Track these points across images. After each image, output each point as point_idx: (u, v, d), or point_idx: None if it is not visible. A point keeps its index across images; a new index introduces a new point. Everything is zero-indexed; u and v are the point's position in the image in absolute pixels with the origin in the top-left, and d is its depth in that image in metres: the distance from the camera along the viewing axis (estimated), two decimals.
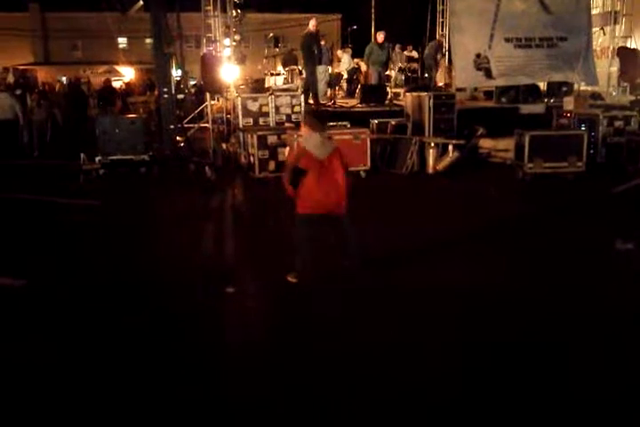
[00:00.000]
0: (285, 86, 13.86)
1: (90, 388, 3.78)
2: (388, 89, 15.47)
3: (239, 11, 14.57)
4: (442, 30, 16.95)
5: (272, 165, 10.05)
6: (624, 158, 10.47)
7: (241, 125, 11.54)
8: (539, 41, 13.08)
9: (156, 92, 13.32)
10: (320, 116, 5.68)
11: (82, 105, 18.44)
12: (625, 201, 8.38)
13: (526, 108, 13.27)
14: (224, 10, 13.57)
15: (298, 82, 14.49)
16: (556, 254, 6.24)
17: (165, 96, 11.82)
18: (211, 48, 13.52)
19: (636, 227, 6.88)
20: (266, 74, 16.60)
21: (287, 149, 9.60)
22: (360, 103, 14.08)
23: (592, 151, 10.51)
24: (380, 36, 15.02)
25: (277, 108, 11.66)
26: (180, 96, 14.73)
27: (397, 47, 18.29)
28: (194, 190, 9.41)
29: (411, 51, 18.33)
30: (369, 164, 10.46)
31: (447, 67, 16.37)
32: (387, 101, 14.39)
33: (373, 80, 15.58)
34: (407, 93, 12.98)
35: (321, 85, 14.22)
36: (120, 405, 3.61)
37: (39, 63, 40.31)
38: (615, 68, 14.76)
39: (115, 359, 4.13)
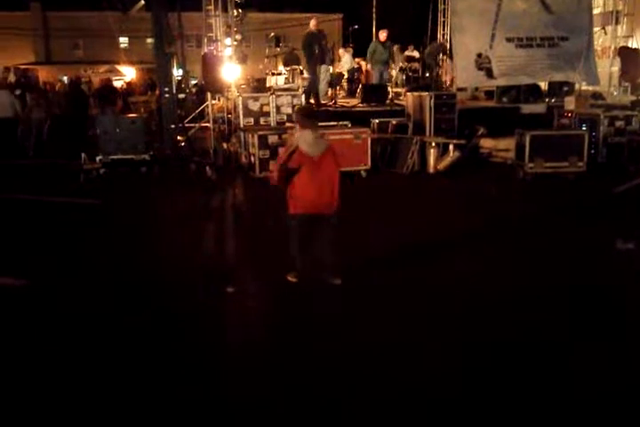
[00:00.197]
0: (286, 86, 13.85)
1: (90, 388, 3.79)
2: (390, 88, 15.47)
3: (240, 10, 14.54)
4: (443, 30, 16.95)
5: (273, 165, 10.04)
6: (625, 158, 10.47)
7: (242, 125, 11.54)
8: (540, 41, 13.07)
9: (157, 92, 13.32)
10: (312, 114, 5.52)
11: (82, 104, 18.42)
12: (626, 201, 8.37)
13: (527, 108, 13.27)
14: (225, 9, 13.54)
15: (299, 81, 14.48)
16: (557, 254, 6.24)
17: (166, 96, 11.84)
18: (212, 48, 13.50)
19: (636, 227, 6.87)
20: (267, 73, 16.57)
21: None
22: (361, 103, 14.09)
23: (593, 151, 10.51)
24: (383, 35, 15.01)
25: (278, 108, 11.67)
26: (181, 96, 14.71)
27: (395, 48, 18.25)
28: (194, 190, 9.40)
29: (412, 50, 18.31)
30: (369, 163, 10.46)
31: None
32: (388, 101, 14.39)
33: (374, 80, 15.58)
34: (408, 93, 12.97)
35: (322, 85, 14.22)
36: (121, 405, 3.62)
37: (40, 63, 40.31)
38: (616, 68, 14.75)
39: (115, 359, 4.14)
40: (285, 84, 14.51)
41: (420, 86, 14.19)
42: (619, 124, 10.71)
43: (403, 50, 18.38)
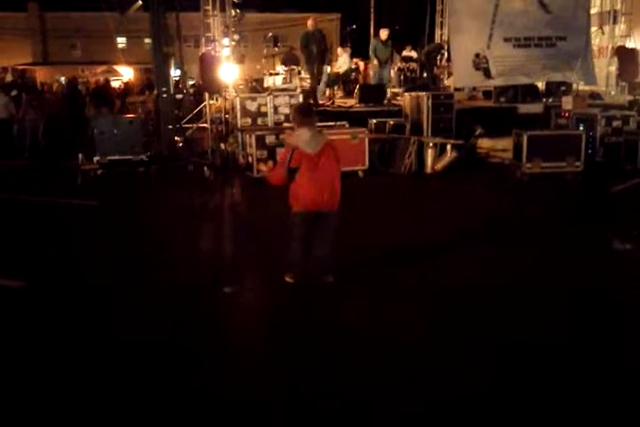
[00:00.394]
0: (284, 86, 13.85)
1: (90, 388, 3.78)
2: (388, 88, 15.47)
3: (238, 10, 14.52)
4: (441, 30, 16.96)
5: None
6: (622, 158, 10.48)
7: (239, 125, 11.53)
8: (537, 40, 13.09)
9: (155, 92, 13.31)
10: (308, 111, 5.47)
11: (79, 105, 18.40)
12: (623, 201, 8.39)
13: (525, 108, 13.27)
14: (223, 9, 13.54)
15: (297, 82, 14.48)
16: (555, 254, 6.24)
17: (164, 96, 11.83)
18: (209, 48, 13.50)
19: (633, 226, 6.88)
20: (265, 74, 16.57)
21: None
22: (358, 103, 14.08)
23: (590, 151, 10.50)
24: (384, 34, 14.99)
25: (276, 108, 11.66)
26: (179, 96, 14.69)
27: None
28: (192, 190, 9.40)
29: (410, 50, 18.32)
30: (367, 163, 10.46)
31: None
32: (385, 101, 14.38)
33: (372, 80, 15.57)
34: (406, 93, 12.98)
35: (320, 85, 14.21)
36: (121, 405, 3.61)
37: (38, 63, 40.25)
38: (614, 68, 14.77)
39: (114, 360, 4.13)
40: (283, 84, 14.50)
41: (418, 86, 14.19)
42: (616, 123, 10.71)
43: (400, 50, 18.38)
